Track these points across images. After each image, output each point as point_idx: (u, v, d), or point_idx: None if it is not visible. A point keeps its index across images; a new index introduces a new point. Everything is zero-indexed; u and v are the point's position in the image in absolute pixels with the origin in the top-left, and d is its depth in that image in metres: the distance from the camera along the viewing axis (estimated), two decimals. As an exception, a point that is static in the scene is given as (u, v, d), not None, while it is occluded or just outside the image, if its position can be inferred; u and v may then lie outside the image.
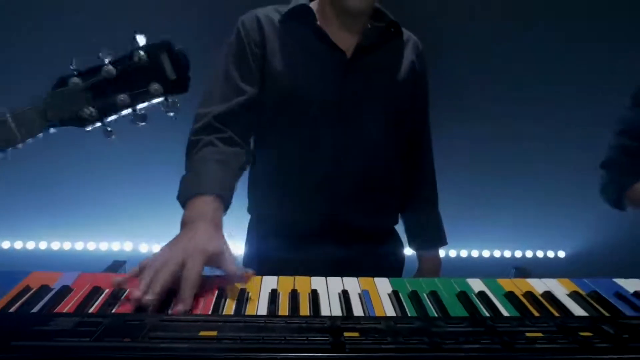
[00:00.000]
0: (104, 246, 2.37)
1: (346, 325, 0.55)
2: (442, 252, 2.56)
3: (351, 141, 1.02)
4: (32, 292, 0.66)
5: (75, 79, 0.64)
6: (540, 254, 2.50)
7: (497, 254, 2.49)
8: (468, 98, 2.24)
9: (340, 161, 1.02)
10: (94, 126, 0.68)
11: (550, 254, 2.50)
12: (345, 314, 0.62)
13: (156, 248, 2.34)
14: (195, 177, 0.88)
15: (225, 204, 0.85)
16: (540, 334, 0.55)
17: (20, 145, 0.64)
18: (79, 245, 2.36)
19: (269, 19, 1.03)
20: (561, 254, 2.51)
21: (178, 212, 0.88)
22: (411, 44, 1.12)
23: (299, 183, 1.04)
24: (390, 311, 0.65)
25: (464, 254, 2.48)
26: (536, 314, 0.66)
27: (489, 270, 2.38)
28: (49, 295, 0.65)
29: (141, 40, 0.66)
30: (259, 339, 0.51)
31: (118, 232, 2.37)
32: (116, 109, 0.66)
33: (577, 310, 0.67)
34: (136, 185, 2.25)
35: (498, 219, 2.36)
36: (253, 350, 0.50)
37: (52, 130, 0.66)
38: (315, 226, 1.03)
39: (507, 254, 2.49)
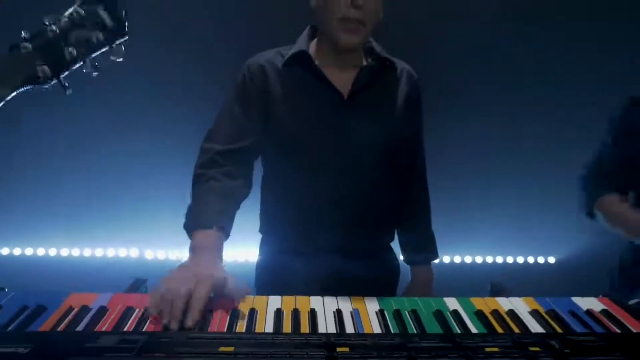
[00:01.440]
0: (111, 252, 2.50)
1: (339, 341, 0.69)
2: (446, 259, 2.65)
3: (349, 176, 1.15)
4: (74, 312, 0.79)
5: (25, 44, 0.72)
6: (530, 259, 2.64)
7: (489, 259, 2.63)
8: (465, 100, 2.35)
9: (339, 195, 1.16)
10: (50, 83, 0.75)
11: (541, 259, 2.64)
12: (338, 331, 0.76)
13: (161, 254, 2.48)
14: (201, 210, 1.03)
15: (226, 234, 1.01)
16: (497, 349, 0.69)
17: None
18: (87, 252, 2.49)
19: (272, 65, 1.15)
20: (551, 259, 2.64)
21: (181, 221, 1.04)
22: (405, 75, 1.23)
23: (301, 215, 1.18)
24: (376, 328, 0.78)
25: (457, 259, 2.62)
26: (500, 330, 0.79)
27: (481, 275, 2.51)
28: (89, 315, 0.79)
29: None
30: (268, 354, 0.65)
31: (124, 239, 2.50)
32: (67, 64, 0.75)
33: (535, 327, 0.81)
34: (143, 193, 2.37)
35: (489, 226, 2.48)
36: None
37: (10, 95, 0.73)
38: (317, 249, 1.17)
39: (499, 259, 2.63)
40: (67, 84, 0.76)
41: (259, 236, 1.31)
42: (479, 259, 2.63)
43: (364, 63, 1.18)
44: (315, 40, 1.19)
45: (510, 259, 2.63)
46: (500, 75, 2.34)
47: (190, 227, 1.00)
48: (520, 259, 2.64)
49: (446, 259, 2.60)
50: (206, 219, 0.99)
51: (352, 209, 1.17)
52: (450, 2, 2.27)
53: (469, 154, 2.43)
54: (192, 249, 0.95)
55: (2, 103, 0.72)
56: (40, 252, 2.46)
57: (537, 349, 0.69)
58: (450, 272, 2.51)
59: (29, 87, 0.73)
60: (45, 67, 0.73)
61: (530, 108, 2.37)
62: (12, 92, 0.72)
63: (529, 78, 2.36)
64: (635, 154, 1.27)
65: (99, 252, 2.50)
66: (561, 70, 2.32)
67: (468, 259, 2.63)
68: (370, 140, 1.15)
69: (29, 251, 2.45)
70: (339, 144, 1.14)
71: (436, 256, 1.37)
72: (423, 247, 1.35)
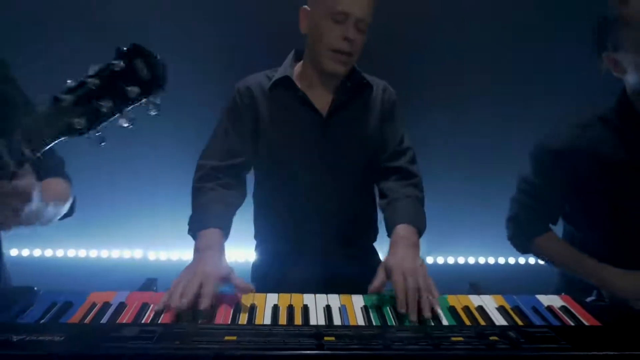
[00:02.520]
0: (115, 254, 2.63)
1: (326, 332, 0.82)
2: (430, 260, 2.82)
3: (329, 187, 1.30)
4: (97, 307, 0.92)
5: (65, 96, 0.74)
6: (522, 260, 2.77)
7: (481, 260, 2.76)
8: (453, 102, 2.44)
9: (321, 204, 1.31)
10: (85, 135, 0.76)
11: (532, 260, 2.76)
12: (326, 324, 0.89)
13: (163, 255, 2.61)
14: (203, 215, 1.17)
15: (226, 234, 1.15)
16: (461, 338, 0.82)
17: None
18: (93, 253, 2.63)
19: (259, 87, 1.29)
20: (531, 260, 2.76)
21: (183, 222, 1.18)
22: (380, 92, 1.35)
23: (288, 222, 1.34)
24: (360, 321, 0.92)
25: (451, 260, 2.75)
26: (468, 323, 0.92)
27: (471, 276, 2.63)
28: (110, 310, 0.92)
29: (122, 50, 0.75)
30: (266, 342, 0.78)
31: (128, 240, 2.63)
32: (103, 116, 0.75)
33: (500, 320, 0.94)
34: (146, 196, 2.50)
35: (481, 227, 2.61)
36: (263, 349, 0.76)
37: (48, 146, 0.76)
38: (304, 252, 1.32)
39: (491, 260, 2.77)
40: (100, 135, 0.77)
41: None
42: (471, 260, 2.76)
43: (345, 82, 1.30)
44: (301, 62, 1.33)
45: (502, 260, 2.76)
46: (488, 77, 2.42)
47: (194, 230, 1.15)
48: (511, 260, 2.76)
49: (440, 260, 2.73)
50: (207, 221, 1.14)
51: (334, 216, 1.32)
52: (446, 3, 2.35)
53: (456, 155, 2.53)
54: (197, 250, 1.09)
55: (39, 153, 0.76)
56: (48, 253, 2.59)
57: (495, 338, 0.82)
58: (443, 273, 2.64)
59: (64, 138, 0.76)
60: (82, 120, 0.74)
61: (516, 110, 2.45)
62: (50, 143, 0.75)
63: (519, 80, 2.43)
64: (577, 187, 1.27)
65: (104, 254, 2.63)
66: (554, 71, 2.40)
67: (461, 260, 2.76)
68: (348, 154, 1.30)
69: (37, 252, 2.59)
70: (319, 158, 1.28)
71: (419, 222, 1.22)
72: (403, 208, 1.24)
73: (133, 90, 0.74)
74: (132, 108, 0.77)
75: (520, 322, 0.93)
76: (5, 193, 0.78)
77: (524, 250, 1.42)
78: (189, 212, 1.28)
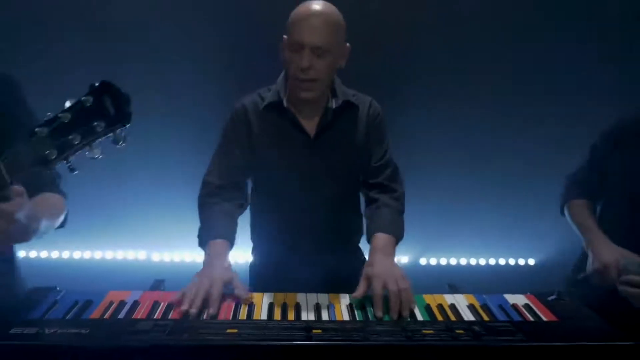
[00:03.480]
0: (120, 255, 2.78)
1: (315, 326, 0.96)
2: (423, 261, 2.94)
3: (318, 198, 1.44)
4: (114, 305, 1.07)
5: (40, 128, 0.80)
6: (512, 261, 2.91)
7: (472, 261, 2.90)
8: (444, 103, 2.55)
9: (310, 212, 1.45)
10: (57, 164, 0.82)
11: (521, 261, 2.91)
12: (315, 319, 1.04)
13: (167, 256, 2.75)
14: (210, 228, 1.34)
15: (231, 244, 1.32)
16: (432, 331, 0.96)
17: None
18: (98, 255, 2.77)
19: (254, 107, 1.42)
20: (531, 261, 2.91)
21: (186, 224, 1.32)
22: (366, 109, 1.46)
23: (280, 228, 1.50)
24: (346, 317, 1.06)
25: (443, 261, 2.90)
26: (440, 318, 1.07)
27: (461, 276, 2.78)
28: (126, 307, 1.06)
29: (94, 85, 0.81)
30: (263, 334, 0.92)
31: (133, 242, 2.77)
32: (73, 148, 0.81)
33: (469, 316, 1.08)
34: (151, 198, 2.62)
35: (471, 228, 2.74)
36: (260, 340, 0.91)
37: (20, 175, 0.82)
38: (296, 253, 1.48)
39: (482, 261, 2.91)
40: (71, 166, 0.84)
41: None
42: (463, 261, 2.90)
43: (330, 104, 1.41)
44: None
45: (492, 261, 2.90)
46: (487, 77, 2.52)
47: (204, 241, 1.32)
48: (502, 261, 2.90)
49: (433, 261, 2.88)
50: (215, 234, 1.31)
51: (323, 222, 1.47)
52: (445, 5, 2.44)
53: (449, 159, 2.63)
54: (207, 258, 1.26)
55: (9, 181, 0.82)
56: (55, 254, 2.74)
57: (461, 331, 0.97)
58: (431, 275, 2.79)
59: (37, 168, 0.82)
60: (54, 152, 0.81)
61: (510, 112, 2.54)
62: (26, 173, 0.82)
63: (518, 80, 2.52)
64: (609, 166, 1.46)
65: (109, 255, 2.77)
66: (554, 71, 2.49)
67: (453, 261, 2.90)
68: (334, 169, 1.44)
69: (43, 254, 2.73)
70: (308, 174, 1.42)
71: (397, 233, 1.37)
72: (383, 220, 1.39)
73: (99, 124, 0.81)
74: (99, 141, 0.83)
75: (486, 318, 1.07)
76: None
77: (561, 208, 1.60)
78: (191, 214, 1.44)
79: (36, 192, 1.07)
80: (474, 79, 2.53)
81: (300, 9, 1.30)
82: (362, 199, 1.59)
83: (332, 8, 1.31)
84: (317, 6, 1.29)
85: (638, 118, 1.44)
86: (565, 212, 1.58)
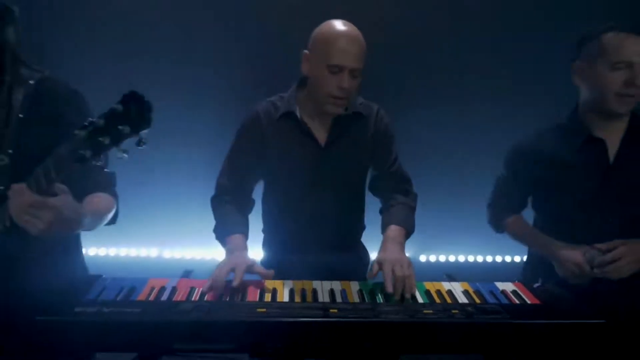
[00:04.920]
0: (133, 252, 2.97)
1: (331, 307, 1.16)
2: (423, 258, 3.12)
3: (327, 200, 1.60)
4: (156, 290, 1.26)
5: (78, 131, 0.99)
6: (508, 258, 3.11)
7: (470, 258, 3.10)
8: (438, 102, 2.73)
9: (319, 213, 1.62)
10: (89, 163, 1.00)
11: (517, 258, 3.10)
12: (330, 301, 1.23)
13: (178, 254, 2.93)
14: (226, 224, 1.54)
15: (246, 237, 1.52)
16: (431, 311, 1.16)
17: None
18: (112, 252, 2.96)
19: (267, 115, 1.58)
20: (525, 258, 3.10)
21: (198, 223, 1.52)
22: (374, 117, 1.62)
23: (289, 225, 1.67)
24: (357, 300, 1.25)
25: (442, 258, 3.09)
26: (438, 301, 1.26)
27: (458, 272, 2.95)
28: (167, 291, 1.26)
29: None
30: (287, 312, 1.12)
31: (145, 239, 2.96)
32: (104, 148, 0.99)
33: (463, 300, 1.28)
34: (163, 197, 2.81)
35: (469, 227, 2.91)
36: (285, 316, 1.10)
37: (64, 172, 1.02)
38: (305, 250, 1.64)
39: (480, 258, 3.10)
40: (100, 163, 1.05)
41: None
42: (461, 258, 3.10)
43: (341, 113, 1.56)
44: (304, 90, 1.59)
45: (489, 258, 3.10)
46: (488, 77, 2.70)
47: (222, 236, 1.52)
48: (498, 258, 3.10)
49: (432, 258, 3.08)
50: (231, 229, 1.51)
51: (330, 221, 1.63)
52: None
53: (442, 157, 2.83)
54: (228, 250, 1.44)
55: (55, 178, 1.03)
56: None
57: (456, 311, 1.16)
58: (429, 271, 2.97)
59: (75, 166, 1.01)
60: (89, 151, 1.00)
61: (509, 112, 2.68)
62: (67, 170, 1.02)
63: (519, 80, 2.69)
64: (536, 180, 1.65)
65: (122, 252, 2.96)
66: (554, 72, 2.54)
67: (452, 258, 3.10)
68: (343, 175, 1.61)
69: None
70: (319, 179, 1.59)
71: (408, 227, 1.55)
72: (395, 213, 1.58)
73: (125, 128, 0.98)
74: (124, 142, 1.00)
75: (478, 301, 1.27)
76: (38, 207, 1.02)
77: (498, 229, 1.81)
78: (203, 213, 1.64)
79: (92, 191, 1.26)
80: (473, 79, 2.71)
81: (333, 30, 1.43)
82: (366, 201, 1.76)
83: (356, 29, 1.46)
84: (349, 28, 1.44)
85: (533, 139, 1.65)
86: (507, 230, 1.77)
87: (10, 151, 1.20)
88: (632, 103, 1.47)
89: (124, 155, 1.02)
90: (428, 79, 2.72)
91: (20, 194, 1.03)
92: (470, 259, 3.11)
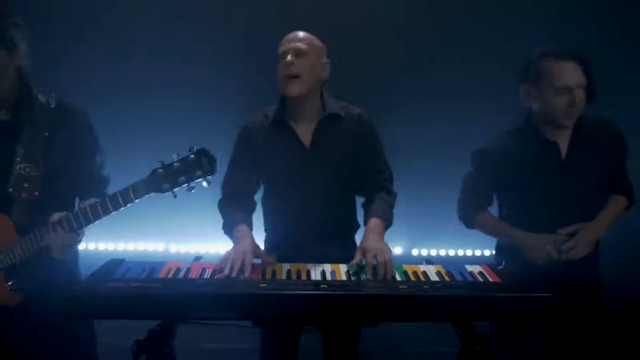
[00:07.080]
0: (141, 247, 3.22)
1: (321, 283, 1.42)
2: (414, 252, 3.35)
3: (316, 199, 1.84)
4: (173, 270, 1.52)
5: (160, 170, 1.46)
6: (487, 252, 3.35)
7: (460, 252, 3.36)
8: (431, 101, 2.97)
9: (311, 211, 1.85)
10: (166, 193, 1.47)
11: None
12: (321, 279, 1.49)
13: (184, 248, 3.18)
14: (232, 219, 1.80)
15: (251, 230, 1.77)
16: (406, 287, 1.42)
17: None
18: (121, 246, 3.22)
19: (258, 124, 1.86)
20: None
21: (202, 219, 1.82)
22: (355, 120, 1.84)
23: (285, 223, 1.92)
24: (343, 278, 1.51)
25: (433, 252, 3.35)
26: (413, 279, 1.52)
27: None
28: (182, 272, 1.52)
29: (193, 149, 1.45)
30: (285, 287, 1.38)
31: (152, 235, 3.21)
32: (180, 184, 1.45)
33: (435, 278, 1.53)
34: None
35: (458, 223, 3.17)
36: (283, 290, 1.36)
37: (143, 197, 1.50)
38: (301, 246, 1.85)
39: (469, 252, 3.36)
40: (175, 195, 1.49)
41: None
42: (460, 252, 3.36)
43: (322, 115, 1.81)
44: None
45: (478, 252, 3.35)
46: (485, 77, 2.92)
47: (230, 229, 1.78)
48: (486, 252, 3.35)
49: (424, 252, 3.33)
50: (237, 222, 1.77)
51: (321, 218, 1.86)
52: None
53: (440, 153, 3.06)
54: (236, 239, 1.70)
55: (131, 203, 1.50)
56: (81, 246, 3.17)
57: (427, 287, 1.42)
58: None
59: (152, 193, 1.48)
60: (167, 185, 1.46)
61: (501, 110, 2.84)
62: (146, 195, 1.49)
63: (505, 80, 2.83)
64: (500, 178, 1.93)
65: (130, 246, 3.22)
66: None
67: (452, 253, 3.36)
68: (328, 174, 1.84)
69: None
70: (307, 179, 1.83)
71: (388, 220, 1.80)
72: (376, 208, 1.82)
73: (197, 173, 1.44)
74: (195, 182, 1.47)
75: (447, 279, 1.53)
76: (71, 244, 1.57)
77: (469, 225, 2.07)
78: (208, 209, 1.92)
79: (85, 196, 1.70)
80: (462, 77, 2.94)
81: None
82: (357, 200, 1.98)
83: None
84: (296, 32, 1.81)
85: (496, 141, 1.93)
86: (477, 226, 2.03)
87: (40, 163, 1.60)
88: (576, 116, 1.82)
89: (192, 190, 1.49)
90: (417, 76, 2.94)
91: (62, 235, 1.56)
92: (460, 252, 3.37)
